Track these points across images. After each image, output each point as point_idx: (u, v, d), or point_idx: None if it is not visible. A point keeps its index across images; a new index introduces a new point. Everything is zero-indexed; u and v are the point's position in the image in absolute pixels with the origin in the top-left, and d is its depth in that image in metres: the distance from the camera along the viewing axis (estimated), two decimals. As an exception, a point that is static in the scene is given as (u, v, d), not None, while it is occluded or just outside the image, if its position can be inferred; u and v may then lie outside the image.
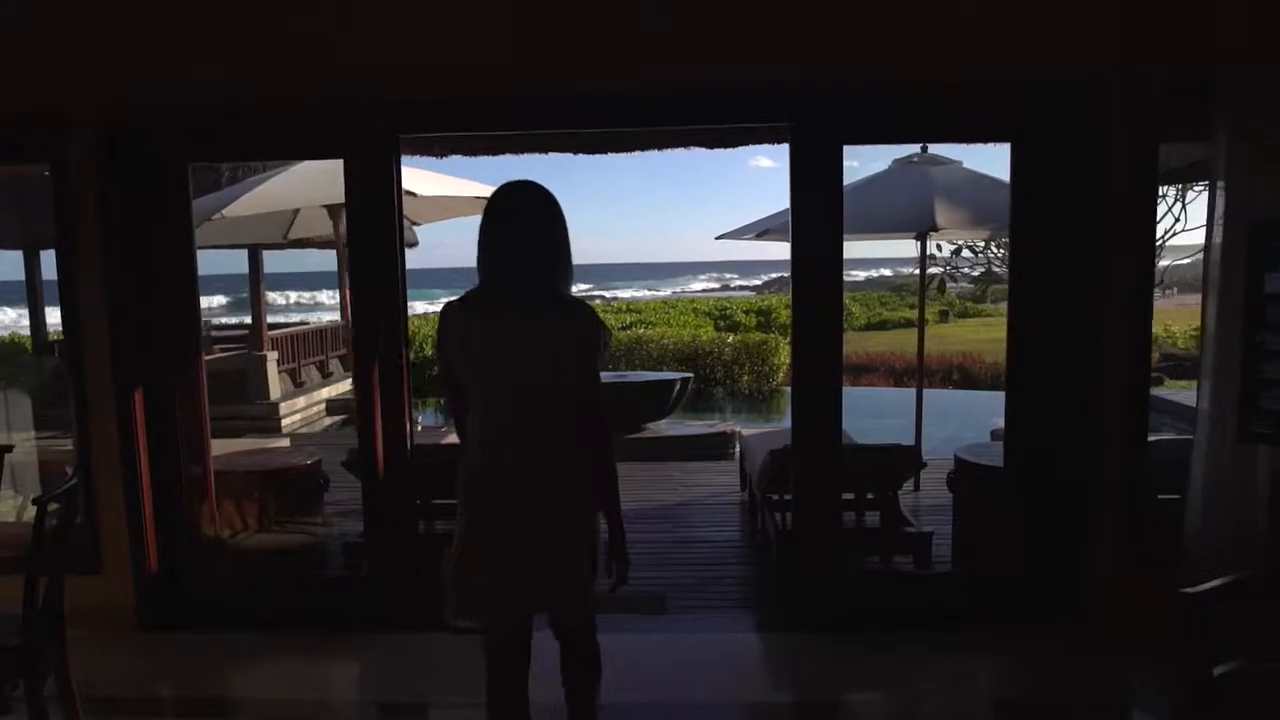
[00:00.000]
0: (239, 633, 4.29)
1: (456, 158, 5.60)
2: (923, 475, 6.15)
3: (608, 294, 64.00)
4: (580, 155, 5.54)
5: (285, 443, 7.15)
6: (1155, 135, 3.79)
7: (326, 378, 14.76)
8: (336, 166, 4.85)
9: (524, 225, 2.51)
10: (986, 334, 27.64)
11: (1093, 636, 4.03)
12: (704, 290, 79.82)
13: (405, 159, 5.78)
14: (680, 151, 5.37)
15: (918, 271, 10.86)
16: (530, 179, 2.56)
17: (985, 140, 4.08)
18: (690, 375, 9.99)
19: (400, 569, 4.31)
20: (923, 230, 5.44)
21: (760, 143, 5.19)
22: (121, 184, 4.13)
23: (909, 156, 6.30)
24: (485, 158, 5.50)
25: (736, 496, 6.84)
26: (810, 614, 4.22)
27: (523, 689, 2.69)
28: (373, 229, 4.10)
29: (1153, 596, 3.94)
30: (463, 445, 2.68)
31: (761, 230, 6.04)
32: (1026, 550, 4.16)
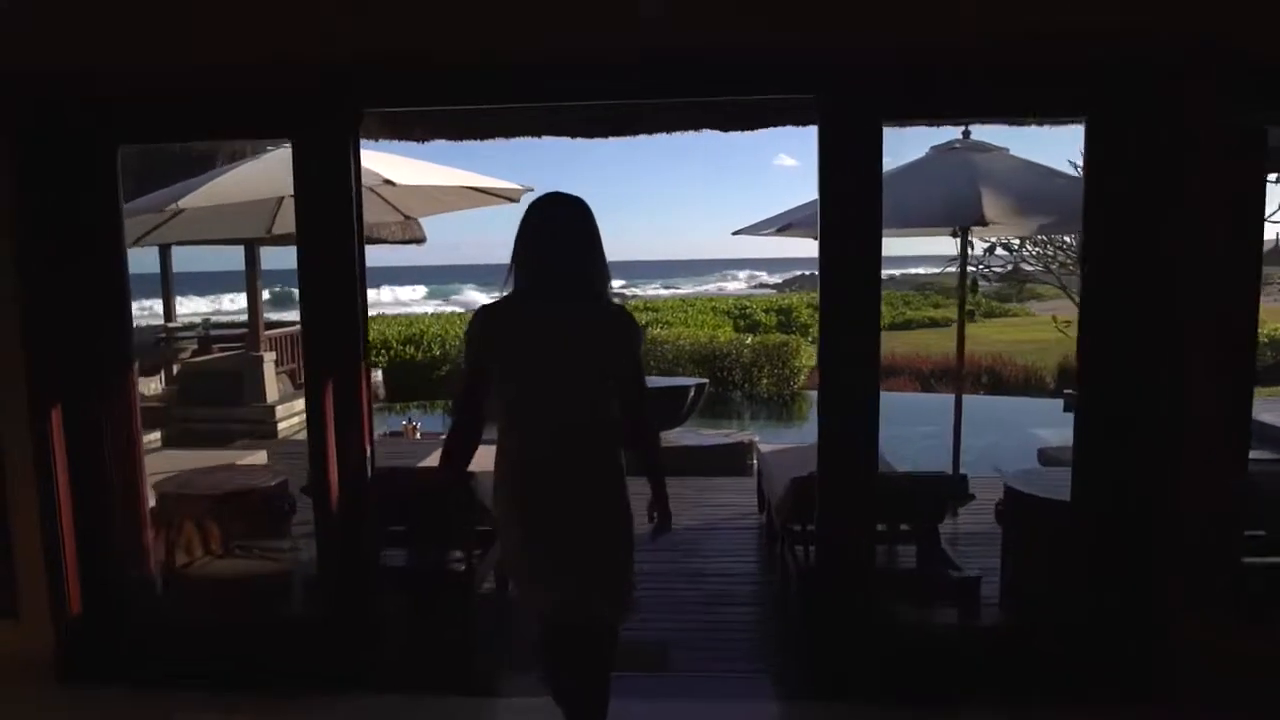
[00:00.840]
0: (175, 689, 3.69)
1: (441, 142, 4.99)
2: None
3: (628, 292, 63.42)
4: (579, 139, 4.91)
5: (261, 455, 6.56)
6: (1265, 111, 3.12)
7: (329, 378, 14.22)
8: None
9: (561, 233, 2.63)
10: (1015, 335, 26.77)
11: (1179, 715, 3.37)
12: (720, 288, 79.33)
13: (384, 144, 5.22)
14: (697, 147, 4.77)
15: (951, 269, 10.10)
16: (564, 191, 2.70)
17: (1057, 115, 3.41)
18: (705, 381, 9.34)
19: (359, 617, 3.71)
20: (968, 223, 4.78)
21: (783, 124, 4.55)
22: (38, 168, 3.55)
23: (950, 142, 5.64)
24: (471, 142, 4.88)
25: (754, 520, 6.19)
26: (834, 676, 3.57)
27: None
28: (326, 222, 3.49)
29: (1259, 663, 3.33)
30: (500, 446, 2.70)
31: (783, 225, 5.40)
32: (1097, 605, 3.49)
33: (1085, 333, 3.42)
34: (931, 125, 4.38)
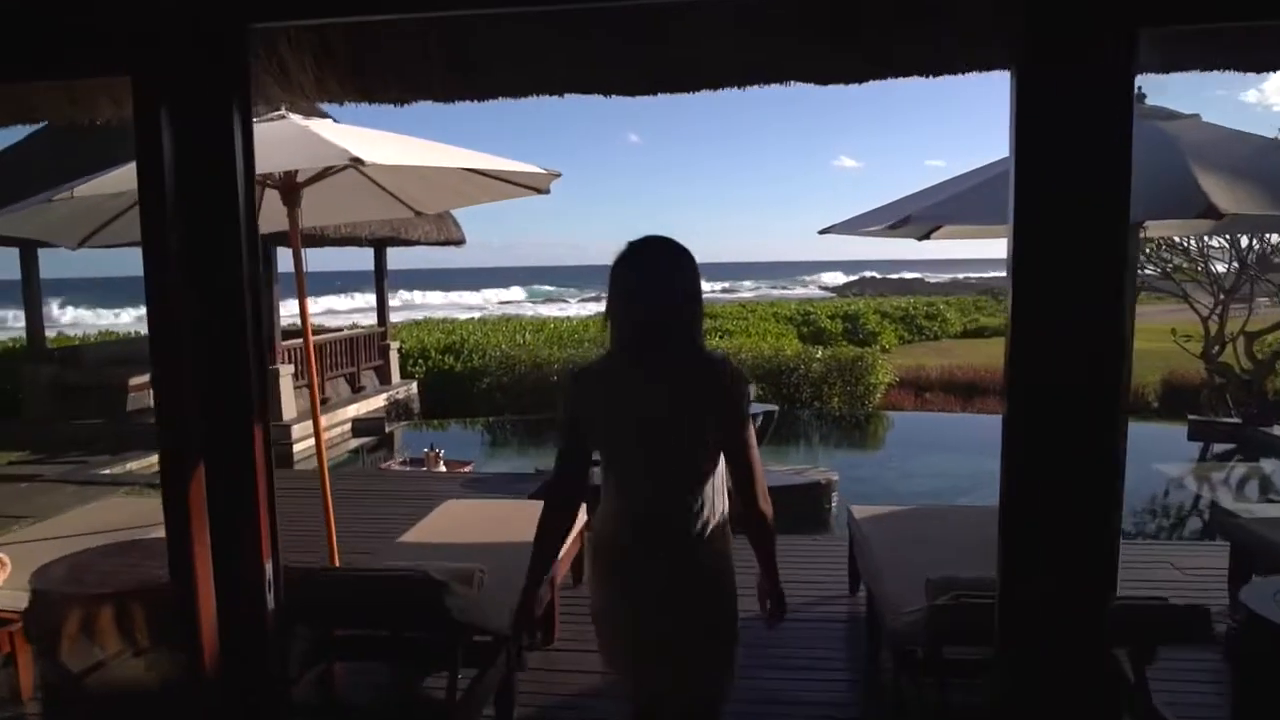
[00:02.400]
0: None
1: (425, 105, 3.65)
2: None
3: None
4: (616, 97, 3.53)
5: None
6: None
7: (357, 392, 13.05)
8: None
9: (648, 285, 2.35)
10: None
11: None
12: (781, 291, 78.14)
13: (350, 110, 3.93)
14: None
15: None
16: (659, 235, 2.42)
17: None
18: (774, 409, 7.89)
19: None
20: (1187, 215, 3.23)
21: (908, 70, 3.11)
22: None
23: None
24: (467, 103, 3.54)
25: (844, 604, 4.76)
26: None
27: None
28: (195, 213, 2.15)
29: None
30: (597, 515, 2.45)
31: (897, 219, 3.92)
32: None
33: None
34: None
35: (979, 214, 3.66)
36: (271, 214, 5.99)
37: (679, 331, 2.33)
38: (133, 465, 9.82)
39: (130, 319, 45.83)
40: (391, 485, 7.65)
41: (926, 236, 5.41)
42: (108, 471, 9.38)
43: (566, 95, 3.47)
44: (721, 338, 16.82)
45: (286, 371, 10.97)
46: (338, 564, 5.14)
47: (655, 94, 3.40)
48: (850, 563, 4.83)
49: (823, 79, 3.27)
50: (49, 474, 9.20)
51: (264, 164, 3.98)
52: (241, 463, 2.27)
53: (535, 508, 2.47)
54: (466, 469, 8.77)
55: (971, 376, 16.16)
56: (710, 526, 2.35)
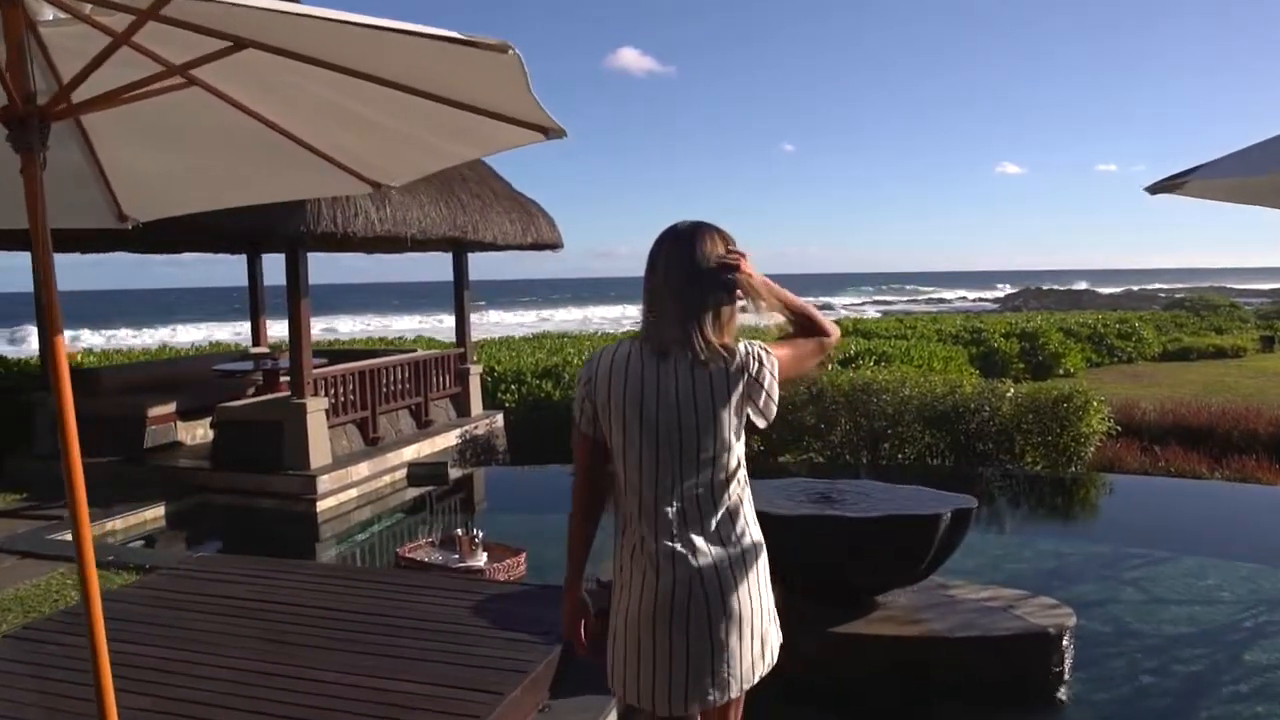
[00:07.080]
0: None
1: None
2: None
3: (842, 311, 58.86)
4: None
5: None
6: None
7: (424, 427, 10.75)
8: None
9: (661, 270, 2.31)
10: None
11: None
12: (939, 302, 73.36)
13: None
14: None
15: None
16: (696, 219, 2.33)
17: None
18: (971, 505, 4.95)
19: None
20: None
21: None
22: None
23: None
24: None
25: None
26: None
27: None
28: None
29: None
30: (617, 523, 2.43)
31: None
32: None
33: None
34: None
35: None
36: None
37: (686, 319, 2.21)
38: (115, 524, 7.78)
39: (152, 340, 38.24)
40: (377, 605, 5.13)
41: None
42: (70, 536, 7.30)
43: None
44: (877, 364, 13.70)
45: (317, 406, 8.72)
46: None
47: None
48: None
49: None
50: (1, 537, 7.20)
51: None
52: None
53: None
54: (513, 566, 6.21)
55: (1206, 420, 12.40)
56: (733, 522, 2.29)
